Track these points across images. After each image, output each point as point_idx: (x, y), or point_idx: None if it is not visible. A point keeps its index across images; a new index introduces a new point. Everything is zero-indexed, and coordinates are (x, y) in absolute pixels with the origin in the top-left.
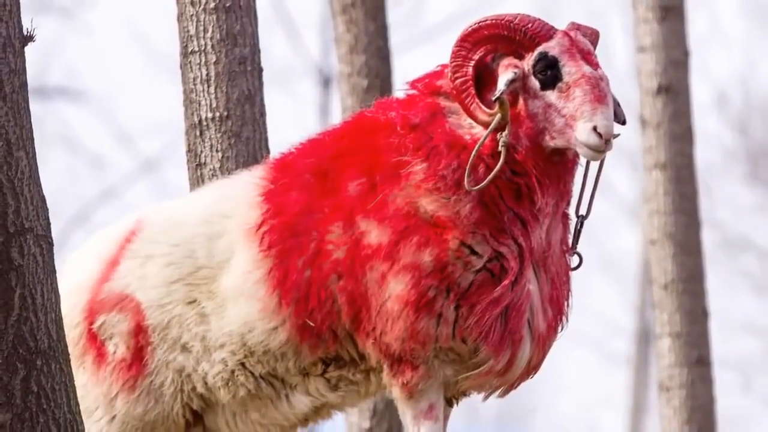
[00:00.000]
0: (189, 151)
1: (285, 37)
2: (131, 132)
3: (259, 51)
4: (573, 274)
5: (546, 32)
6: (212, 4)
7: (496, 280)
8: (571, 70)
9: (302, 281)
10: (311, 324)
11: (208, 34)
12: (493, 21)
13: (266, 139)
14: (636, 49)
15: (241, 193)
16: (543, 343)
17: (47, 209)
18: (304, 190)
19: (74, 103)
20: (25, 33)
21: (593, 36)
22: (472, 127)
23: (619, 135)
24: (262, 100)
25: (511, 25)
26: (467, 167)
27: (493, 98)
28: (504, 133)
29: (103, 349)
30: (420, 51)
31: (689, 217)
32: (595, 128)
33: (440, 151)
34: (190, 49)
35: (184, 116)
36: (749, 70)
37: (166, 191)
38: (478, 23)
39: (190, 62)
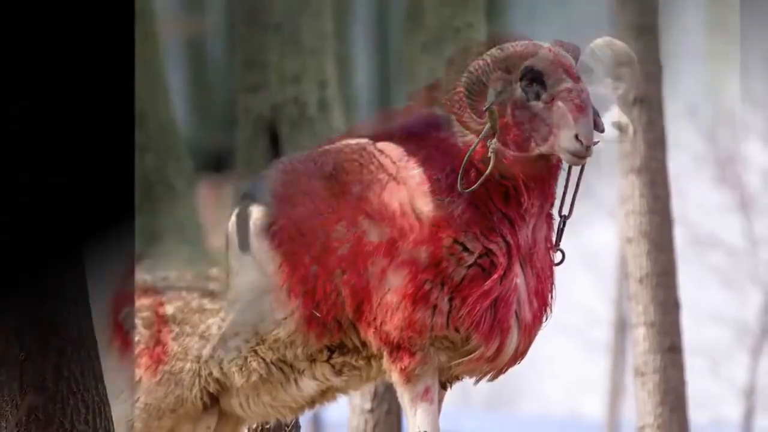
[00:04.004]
0: None
1: None
2: None
3: None
4: (556, 269)
5: (532, 48)
6: None
7: (487, 274)
8: (554, 83)
9: (309, 275)
10: (318, 315)
11: None
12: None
13: None
14: None
15: (255, 194)
16: (529, 332)
17: None
18: (312, 193)
19: None
20: None
21: (574, 52)
22: (464, 135)
23: (598, 142)
24: None
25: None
26: (460, 172)
27: (484, 108)
28: (493, 141)
29: (128, 338)
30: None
31: (662, 216)
32: (576, 136)
33: (435, 157)
34: None
35: None
36: (717, 82)
37: None
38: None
39: None
